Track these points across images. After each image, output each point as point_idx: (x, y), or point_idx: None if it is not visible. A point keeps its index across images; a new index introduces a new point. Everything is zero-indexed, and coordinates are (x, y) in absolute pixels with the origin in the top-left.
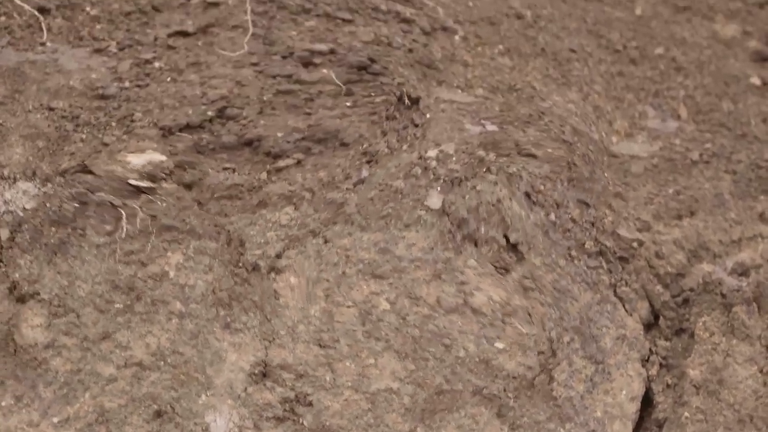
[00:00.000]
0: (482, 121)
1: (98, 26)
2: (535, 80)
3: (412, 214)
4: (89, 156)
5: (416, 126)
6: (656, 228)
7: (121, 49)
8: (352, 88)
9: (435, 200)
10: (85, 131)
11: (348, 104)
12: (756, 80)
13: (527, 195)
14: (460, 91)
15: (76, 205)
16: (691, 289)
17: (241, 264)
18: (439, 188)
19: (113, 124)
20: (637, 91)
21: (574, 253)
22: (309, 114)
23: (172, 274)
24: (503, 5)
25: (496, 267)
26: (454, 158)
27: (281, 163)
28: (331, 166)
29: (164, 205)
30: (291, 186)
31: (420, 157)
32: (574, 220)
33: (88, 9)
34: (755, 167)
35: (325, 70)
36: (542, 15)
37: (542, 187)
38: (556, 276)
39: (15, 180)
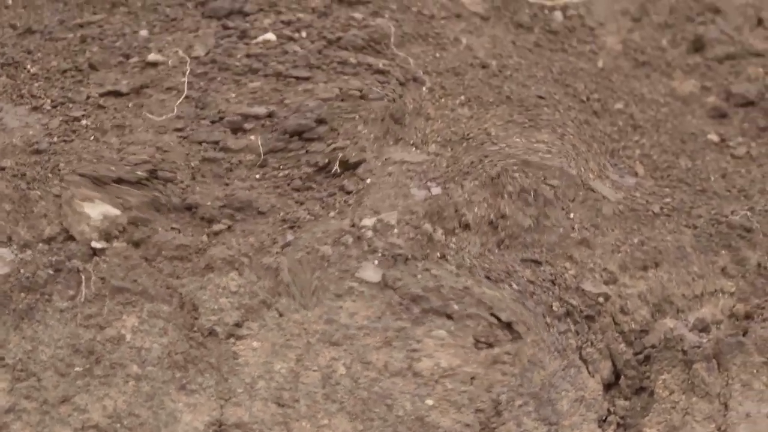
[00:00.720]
0: (428, 184)
1: (36, 84)
2: (493, 126)
3: (341, 285)
4: (58, 214)
5: (348, 193)
6: (622, 280)
7: (54, 107)
8: (268, 158)
9: (371, 273)
10: (36, 187)
11: (257, 177)
12: (714, 137)
13: (487, 277)
14: (414, 149)
15: (51, 272)
16: (653, 346)
17: (196, 328)
18: (376, 261)
19: (49, 175)
20: (600, 143)
21: (548, 320)
22: (227, 184)
23: (128, 337)
24: (468, 55)
25: (478, 340)
26: (396, 230)
27: (215, 227)
28: (256, 231)
29: (114, 265)
30: (230, 250)
31: (353, 225)
32: (531, 282)
33: (29, 67)
34: (715, 222)
35: (252, 137)
36: (508, 65)
37: (487, 265)
38: (536, 350)
39: None
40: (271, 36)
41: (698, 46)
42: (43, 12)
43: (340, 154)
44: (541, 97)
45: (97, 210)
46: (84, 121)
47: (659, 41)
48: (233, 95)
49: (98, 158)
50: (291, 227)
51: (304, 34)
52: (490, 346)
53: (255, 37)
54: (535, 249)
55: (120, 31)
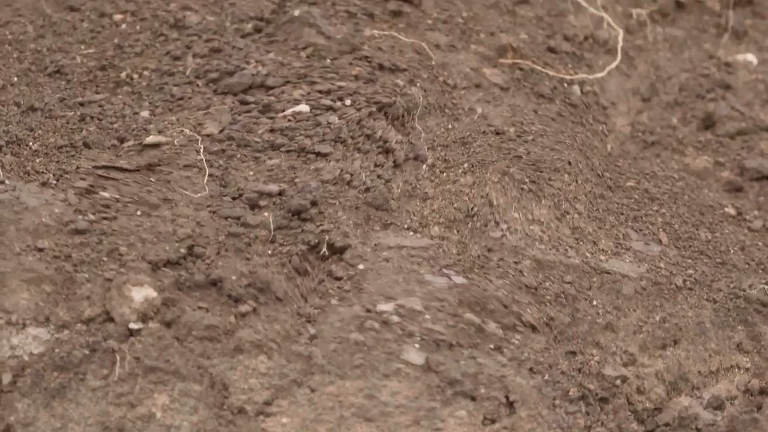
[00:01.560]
0: (444, 271)
1: (38, 160)
2: (493, 191)
3: (388, 365)
4: (103, 297)
5: (338, 279)
6: (641, 360)
7: (57, 180)
8: (276, 235)
9: (414, 356)
10: (84, 269)
11: (269, 252)
12: (731, 210)
13: (530, 369)
14: (412, 233)
15: (86, 351)
16: (667, 424)
17: (225, 407)
18: (417, 345)
19: (104, 259)
20: (617, 214)
21: (557, 401)
22: (248, 259)
23: (159, 415)
24: (482, 124)
25: (484, 418)
26: (427, 316)
27: (241, 308)
28: (279, 319)
29: (148, 345)
30: (257, 335)
31: (368, 311)
32: (563, 373)
33: (31, 144)
34: (734, 296)
35: (266, 214)
36: (529, 131)
37: (542, 359)
38: (535, 425)
39: (24, 326)
40: (304, 107)
41: (709, 123)
42: (45, 90)
43: (327, 237)
44: (569, 163)
45: (142, 293)
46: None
47: (669, 120)
48: (251, 173)
49: (157, 239)
50: (308, 321)
51: (348, 101)
52: (493, 422)
53: (282, 111)
54: (574, 341)
55: (120, 112)
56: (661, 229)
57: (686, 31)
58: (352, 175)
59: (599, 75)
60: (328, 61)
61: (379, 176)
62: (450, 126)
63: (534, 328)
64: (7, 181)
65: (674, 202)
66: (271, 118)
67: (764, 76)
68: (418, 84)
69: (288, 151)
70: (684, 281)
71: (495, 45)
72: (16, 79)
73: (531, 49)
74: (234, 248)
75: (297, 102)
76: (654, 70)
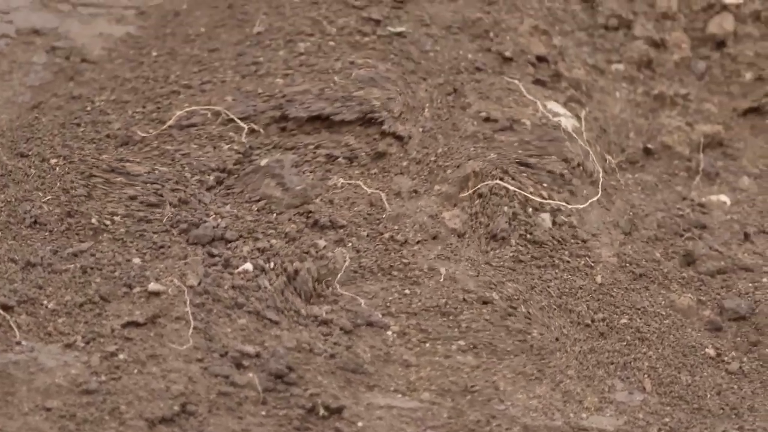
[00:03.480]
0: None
1: (60, 320)
2: (503, 379)
3: None
4: None
5: None
6: None
7: (86, 343)
8: (266, 397)
9: None
10: (86, 428)
11: (263, 413)
12: (711, 351)
13: None
14: (400, 395)
15: None
16: None
17: None
18: None
19: (105, 417)
20: (607, 365)
21: None
22: (241, 418)
23: None
24: (456, 288)
25: None
26: None
27: None
28: None
29: None
30: None
31: None
32: None
33: (45, 302)
34: None
35: (251, 374)
36: (510, 296)
37: None
38: None
39: None
40: (249, 266)
41: (690, 260)
42: (34, 242)
43: (320, 400)
44: (557, 340)
45: None
46: (121, 356)
47: (653, 254)
48: (229, 330)
49: (152, 396)
50: None
51: (272, 264)
52: None
53: (237, 267)
54: None
55: (113, 259)
56: (646, 375)
57: (656, 176)
58: (308, 343)
59: (581, 206)
60: (274, 216)
61: (335, 343)
62: (407, 291)
63: None
64: (24, 342)
65: (661, 343)
66: (231, 274)
67: (739, 217)
68: (349, 244)
69: (249, 312)
70: (659, 430)
71: (459, 178)
72: (0, 234)
73: (497, 167)
74: (225, 407)
75: (245, 260)
76: (630, 208)
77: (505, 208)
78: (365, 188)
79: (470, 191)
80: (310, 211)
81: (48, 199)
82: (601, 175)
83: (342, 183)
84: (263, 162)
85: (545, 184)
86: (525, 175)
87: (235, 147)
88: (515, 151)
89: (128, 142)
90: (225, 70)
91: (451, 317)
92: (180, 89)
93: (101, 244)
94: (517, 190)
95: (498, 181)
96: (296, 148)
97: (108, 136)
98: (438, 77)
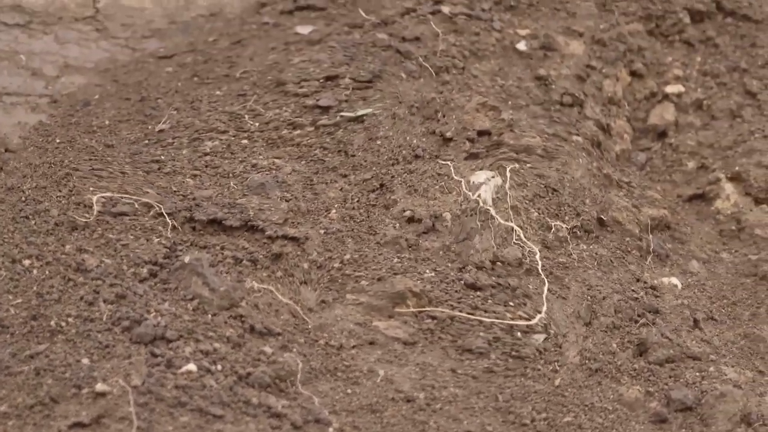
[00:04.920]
0: None
1: (10, 422)
2: None
3: None
4: None
5: None
6: None
7: None
8: None
9: None
10: None
11: None
12: None
13: None
14: None
15: None
16: None
17: None
18: None
19: None
20: None
21: None
22: None
23: None
24: (389, 389)
25: None
26: None
27: None
28: None
29: None
30: None
31: None
32: None
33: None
34: None
35: None
36: (439, 397)
37: None
38: None
39: None
40: (192, 366)
41: (642, 349)
42: None
43: None
44: None
45: None
46: None
47: (610, 345)
48: (171, 428)
49: None
50: None
51: (219, 366)
52: None
53: (180, 367)
54: None
55: (65, 360)
56: None
57: (611, 251)
58: None
59: (542, 314)
60: (209, 316)
61: None
62: (349, 390)
63: None
64: None
65: None
66: (174, 374)
67: (689, 301)
68: (294, 349)
69: (192, 410)
70: None
71: (388, 293)
72: None
73: (444, 291)
74: None
75: (187, 360)
76: (587, 290)
77: (481, 334)
78: (279, 297)
79: (412, 309)
80: (242, 315)
81: (18, 303)
82: (538, 257)
83: (257, 287)
84: (186, 259)
85: (505, 302)
86: (479, 297)
87: (163, 241)
88: (445, 265)
89: (75, 227)
90: (122, 165)
91: (376, 414)
92: (71, 172)
93: (55, 345)
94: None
95: (458, 313)
96: (207, 248)
97: (56, 224)
98: (367, 172)
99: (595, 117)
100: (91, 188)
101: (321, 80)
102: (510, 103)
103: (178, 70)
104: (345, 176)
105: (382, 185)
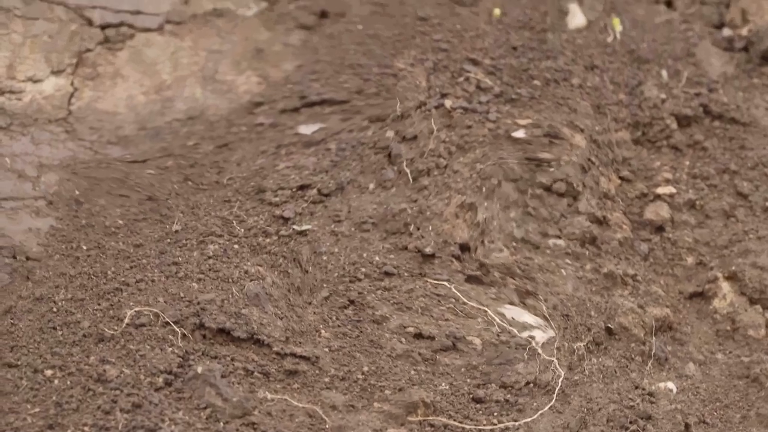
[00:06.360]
0: None
1: None
2: None
3: None
4: None
5: None
6: None
7: None
8: None
9: None
10: None
11: None
12: None
13: None
14: None
15: None
16: None
17: None
18: None
19: None
20: None
21: None
22: None
23: None
24: None
25: None
26: None
27: None
28: None
29: None
30: None
31: None
32: None
33: None
34: None
35: None
36: None
37: None
38: None
39: None
40: None
41: None
42: None
43: None
44: None
45: None
46: None
47: None
48: None
49: None
50: None
51: None
52: None
53: None
54: None
55: None
56: None
57: (616, 360)
58: None
59: (529, 419)
60: (222, 424)
61: None
62: None
63: None
64: None
65: None
66: None
67: (682, 406)
68: None
69: None
70: None
71: (405, 402)
72: None
73: (450, 402)
74: None
75: None
76: (586, 403)
77: None
78: (295, 402)
79: (419, 418)
80: (254, 423)
81: (35, 412)
82: (561, 379)
83: (270, 397)
84: (199, 369)
85: (495, 414)
86: (477, 408)
87: (176, 351)
88: (464, 380)
89: (102, 338)
90: (152, 269)
91: None
92: (121, 287)
93: None
94: (470, 426)
95: (448, 420)
96: (218, 358)
97: (84, 335)
98: (322, 290)
99: (590, 211)
100: (131, 303)
101: (294, 189)
102: (484, 189)
103: (162, 173)
104: (310, 303)
105: (351, 302)
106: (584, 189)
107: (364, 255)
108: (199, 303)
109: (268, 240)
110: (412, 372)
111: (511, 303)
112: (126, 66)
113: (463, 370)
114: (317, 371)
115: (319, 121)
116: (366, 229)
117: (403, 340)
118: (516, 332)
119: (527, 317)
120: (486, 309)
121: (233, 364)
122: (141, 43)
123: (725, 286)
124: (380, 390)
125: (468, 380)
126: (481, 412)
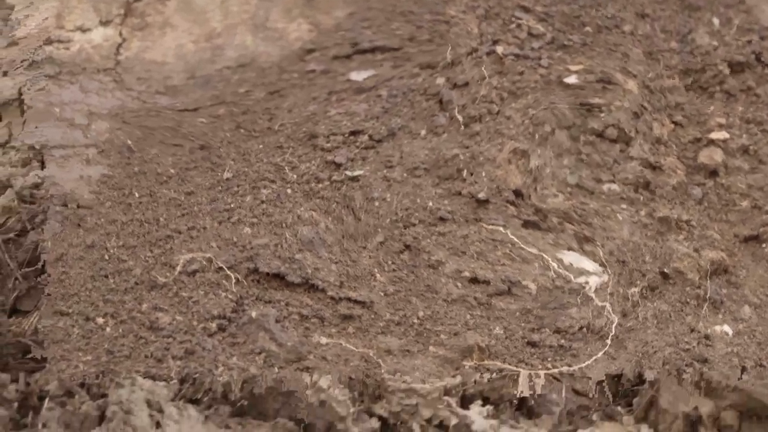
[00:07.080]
0: None
1: None
2: None
3: None
4: None
5: None
6: None
7: None
8: None
9: None
10: None
11: None
12: None
13: None
14: None
15: None
16: None
17: None
18: None
19: None
20: None
21: None
22: None
23: None
24: None
25: None
26: None
27: None
28: None
29: None
30: None
31: None
32: None
33: None
34: None
35: None
36: None
37: None
38: None
39: None
40: None
41: None
42: None
43: None
44: None
45: None
46: None
47: None
48: None
49: None
50: None
51: None
52: None
53: None
54: None
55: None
56: None
57: (671, 304)
58: None
59: (583, 364)
60: (276, 369)
61: None
62: None
63: None
64: None
65: None
66: None
67: (738, 349)
68: None
69: None
70: None
71: (460, 347)
72: None
73: (505, 346)
74: None
75: None
76: (642, 347)
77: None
78: (351, 347)
79: (474, 362)
80: (309, 367)
81: (87, 360)
82: (614, 325)
83: (325, 341)
84: (253, 314)
85: (549, 359)
86: (532, 353)
87: (230, 296)
88: (519, 324)
89: (155, 286)
90: (204, 216)
91: None
92: (173, 234)
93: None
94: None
95: (507, 365)
96: (272, 303)
97: (136, 283)
98: (377, 235)
99: (642, 156)
100: (184, 250)
101: (346, 135)
102: (537, 136)
103: (214, 121)
104: (365, 248)
105: (407, 246)
106: (637, 134)
107: (417, 200)
108: (252, 248)
109: (320, 185)
110: (468, 316)
111: (570, 248)
112: (175, 15)
113: (517, 314)
114: (372, 316)
115: (371, 68)
116: (418, 175)
117: (459, 284)
118: (572, 278)
119: (585, 263)
120: (543, 254)
121: (287, 309)
122: None
123: None
124: (436, 334)
125: (522, 324)
126: (535, 356)
